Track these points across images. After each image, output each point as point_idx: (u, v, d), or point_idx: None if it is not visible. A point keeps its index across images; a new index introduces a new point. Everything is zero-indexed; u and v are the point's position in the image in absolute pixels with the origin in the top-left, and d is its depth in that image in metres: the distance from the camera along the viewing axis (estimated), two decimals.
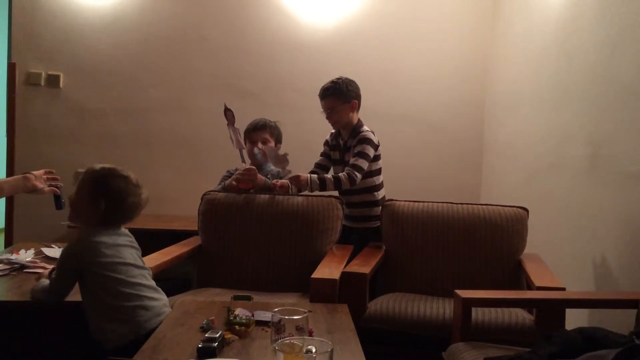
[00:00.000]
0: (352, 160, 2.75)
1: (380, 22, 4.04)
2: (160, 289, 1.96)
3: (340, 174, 2.71)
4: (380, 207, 2.82)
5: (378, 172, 2.85)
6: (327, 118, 2.85)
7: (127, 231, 1.99)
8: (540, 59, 3.16)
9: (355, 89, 2.85)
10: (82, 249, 1.82)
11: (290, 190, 2.77)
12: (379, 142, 2.83)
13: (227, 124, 2.81)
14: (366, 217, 2.87)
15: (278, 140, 3.03)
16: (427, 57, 4.06)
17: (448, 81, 4.07)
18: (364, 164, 2.74)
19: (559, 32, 2.92)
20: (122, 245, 1.89)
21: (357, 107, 2.86)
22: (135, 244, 1.98)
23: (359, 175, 2.71)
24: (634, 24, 2.24)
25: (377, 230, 2.80)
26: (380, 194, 2.89)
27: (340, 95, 2.80)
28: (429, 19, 4.05)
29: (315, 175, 2.71)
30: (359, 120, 2.87)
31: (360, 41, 4.02)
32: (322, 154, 2.99)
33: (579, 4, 2.72)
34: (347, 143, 2.86)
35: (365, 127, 2.83)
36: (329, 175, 2.72)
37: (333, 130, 2.97)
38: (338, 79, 2.83)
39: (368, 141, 2.76)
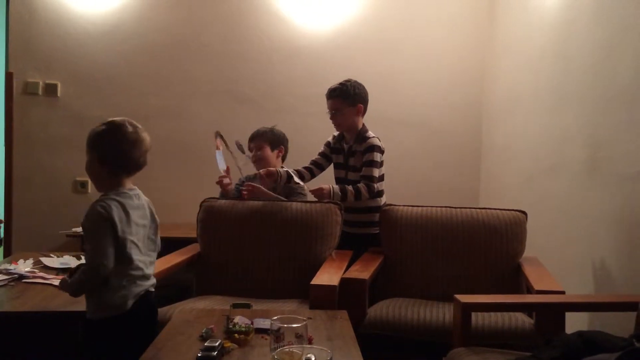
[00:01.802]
0: (364, 171, 2.77)
1: (378, 27, 4.05)
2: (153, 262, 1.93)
3: (359, 185, 2.73)
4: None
5: (381, 178, 2.86)
6: (331, 118, 2.86)
7: (140, 198, 1.92)
8: (537, 62, 3.16)
9: (363, 93, 2.86)
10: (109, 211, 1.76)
11: (278, 179, 2.78)
12: (384, 148, 2.84)
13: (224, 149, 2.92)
14: (368, 222, 2.87)
15: (276, 144, 3.05)
16: (424, 62, 4.07)
17: (446, 85, 4.08)
18: (376, 172, 2.77)
19: (556, 35, 2.93)
20: (136, 223, 1.84)
21: (362, 112, 2.87)
22: (149, 214, 1.93)
23: (376, 185, 2.76)
24: (630, 26, 2.25)
25: (378, 237, 2.80)
26: (382, 200, 2.89)
27: (346, 97, 2.81)
28: (426, 23, 4.06)
29: (337, 187, 2.74)
30: (363, 125, 2.88)
31: (357, 46, 4.03)
32: (320, 153, 3.00)
33: (576, 6, 2.72)
34: (352, 147, 2.86)
35: (371, 133, 2.84)
36: (350, 187, 2.73)
37: (336, 133, 2.97)
38: (347, 81, 2.85)
39: (376, 148, 2.78)
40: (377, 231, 2.82)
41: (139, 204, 1.89)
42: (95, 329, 1.77)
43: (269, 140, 3.03)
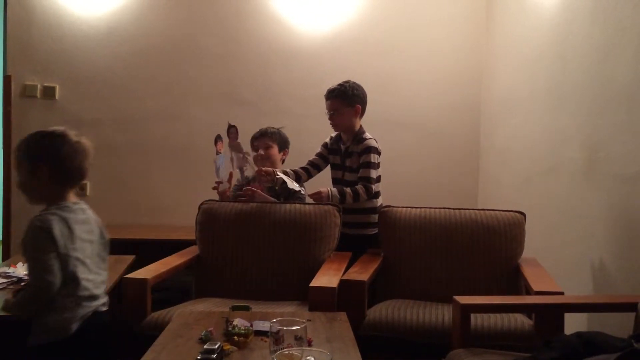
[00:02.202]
0: (361, 172, 2.79)
1: (376, 29, 4.05)
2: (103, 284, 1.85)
3: (357, 187, 2.75)
4: (378, 215, 2.83)
5: (378, 179, 2.86)
6: (330, 119, 2.88)
7: (86, 212, 1.83)
8: (535, 63, 3.17)
9: (361, 94, 2.87)
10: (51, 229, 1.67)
11: (274, 180, 2.79)
12: (380, 150, 2.85)
13: (229, 143, 2.91)
14: (364, 224, 2.87)
15: (283, 146, 3.07)
16: (422, 63, 4.07)
17: (444, 87, 4.08)
18: (374, 173, 2.79)
19: (554, 36, 2.93)
20: (81, 238, 1.76)
21: (360, 113, 2.88)
22: (97, 230, 1.85)
23: (373, 187, 2.78)
24: (628, 26, 2.26)
25: (375, 238, 2.81)
26: (378, 202, 2.90)
27: (344, 98, 2.82)
28: (424, 25, 4.06)
29: (335, 190, 2.75)
30: (361, 126, 2.89)
31: (355, 48, 4.03)
32: (317, 154, 3.01)
33: (573, 7, 2.73)
34: (349, 148, 2.87)
35: (368, 135, 2.86)
36: (348, 189, 2.75)
37: (333, 134, 2.98)
38: (346, 82, 2.86)
39: (373, 150, 2.80)
40: (373, 232, 2.83)
41: (84, 218, 1.81)
42: (36, 356, 1.67)
43: (277, 140, 3.05)
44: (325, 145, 3.00)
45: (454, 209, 2.73)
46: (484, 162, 4.05)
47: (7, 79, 3.91)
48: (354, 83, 2.87)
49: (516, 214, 2.66)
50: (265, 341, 1.65)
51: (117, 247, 3.27)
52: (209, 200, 2.84)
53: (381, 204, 2.90)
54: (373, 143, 2.81)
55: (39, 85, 3.93)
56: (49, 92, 3.93)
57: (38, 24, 3.91)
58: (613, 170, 2.34)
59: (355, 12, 4.05)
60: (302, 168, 2.97)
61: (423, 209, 2.75)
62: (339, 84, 2.86)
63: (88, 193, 3.93)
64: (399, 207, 2.78)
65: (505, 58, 3.68)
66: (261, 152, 2.99)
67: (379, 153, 2.83)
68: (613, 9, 2.37)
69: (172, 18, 4.00)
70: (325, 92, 2.89)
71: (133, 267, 2.53)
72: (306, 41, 4.03)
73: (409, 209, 2.76)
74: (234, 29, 4.02)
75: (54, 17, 3.91)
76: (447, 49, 4.08)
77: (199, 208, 2.78)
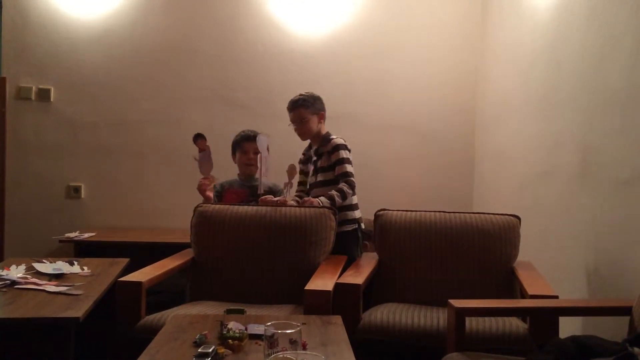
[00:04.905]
0: (338, 170, 2.85)
1: (371, 33, 4.06)
2: None
3: (340, 186, 2.80)
4: (355, 212, 2.91)
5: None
6: (297, 130, 2.95)
7: None
8: (529, 68, 3.18)
9: (321, 101, 2.98)
10: None
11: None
12: (350, 147, 2.91)
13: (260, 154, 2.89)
14: (342, 221, 2.88)
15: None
16: (417, 67, 4.09)
17: (439, 91, 4.09)
18: (350, 168, 2.85)
19: (548, 41, 2.94)
20: None
21: (324, 118, 2.97)
22: None
23: (354, 180, 2.83)
24: (622, 32, 2.27)
25: (352, 234, 2.86)
26: (354, 199, 2.93)
27: (309, 106, 2.92)
28: (419, 29, 4.08)
29: (323, 198, 2.78)
30: (327, 131, 2.98)
31: (351, 52, 4.04)
32: (300, 172, 3.08)
33: (568, 12, 2.74)
34: (318, 150, 2.95)
35: (334, 135, 2.93)
36: (334, 191, 2.78)
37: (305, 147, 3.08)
38: (305, 93, 2.96)
39: (342, 146, 2.87)
40: (351, 228, 2.88)
41: None
42: None
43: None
44: (300, 160, 3.10)
45: (449, 212, 2.74)
46: (479, 165, 4.06)
47: (1, 81, 3.89)
48: (312, 93, 2.97)
49: (511, 217, 2.67)
50: (260, 345, 1.65)
51: (111, 249, 3.30)
52: (204, 202, 2.84)
53: (357, 203, 2.94)
54: (340, 141, 2.89)
55: (33, 88, 3.92)
56: (43, 95, 3.92)
57: (33, 26, 3.90)
58: (607, 175, 2.35)
59: (352, 16, 4.06)
60: (301, 192, 3.05)
61: (418, 212, 2.76)
62: (299, 96, 2.94)
63: (83, 195, 3.92)
64: (394, 210, 2.78)
65: (501, 62, 3.69)
66: (252, 155, 3.03)
67: (348, 149, 2.89)
68: (607, 15, 2.38)
69: (167, 20, 4.00)
70: (287, 105, 2.94)
71: (127, 270, 2.52)
72: (302, 44, 4.03)
73: (404, 212, 2.77)
74: (229, 31, 4.02)
75: (49, 20, 3.91)
76: (443, 53, 4.09)
77: (194, 211, 2.78)
